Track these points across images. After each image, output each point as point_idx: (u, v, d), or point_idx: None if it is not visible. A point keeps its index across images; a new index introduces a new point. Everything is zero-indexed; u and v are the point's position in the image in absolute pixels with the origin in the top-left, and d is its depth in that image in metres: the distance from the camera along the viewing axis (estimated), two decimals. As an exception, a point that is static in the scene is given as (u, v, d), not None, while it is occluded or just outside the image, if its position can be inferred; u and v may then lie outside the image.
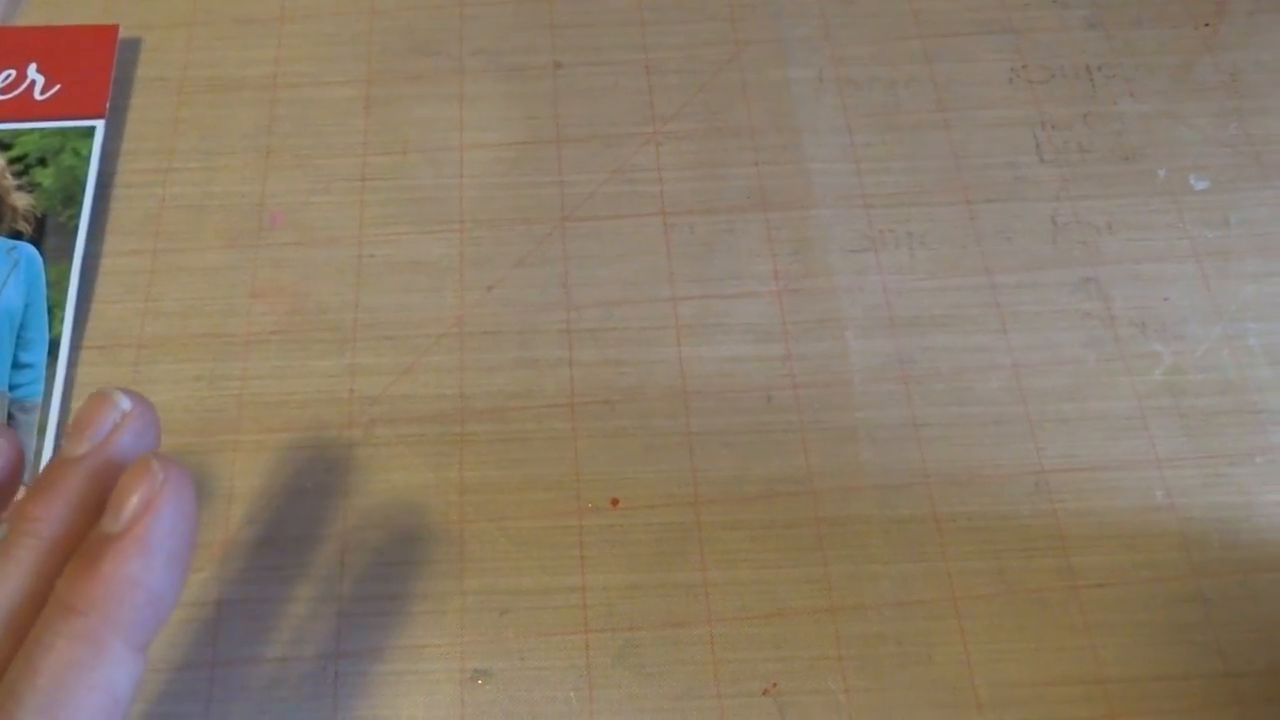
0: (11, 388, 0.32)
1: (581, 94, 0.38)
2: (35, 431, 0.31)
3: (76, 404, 0.32)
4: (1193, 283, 0.34)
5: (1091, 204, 0.36)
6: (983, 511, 0.31)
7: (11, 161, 0.35)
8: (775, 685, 0.29)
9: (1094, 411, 0.32)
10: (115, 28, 0.38)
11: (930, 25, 0.39)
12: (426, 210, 0.36)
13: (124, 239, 0.35)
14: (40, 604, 0.20)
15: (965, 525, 0.31)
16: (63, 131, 0.36)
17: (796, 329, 0.34)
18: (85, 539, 0.20)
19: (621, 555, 0.30)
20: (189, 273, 0.35)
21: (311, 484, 0.31)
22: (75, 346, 0.33)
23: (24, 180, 0.35)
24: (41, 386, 0.32)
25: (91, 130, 0.36)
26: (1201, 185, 0.36)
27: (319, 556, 0.30)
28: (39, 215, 0.35)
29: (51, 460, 0.22)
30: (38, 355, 0.32)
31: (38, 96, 0.37)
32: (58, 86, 0.37)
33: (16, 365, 0.32)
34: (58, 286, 0.34)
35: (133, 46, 0.39)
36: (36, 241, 0.34)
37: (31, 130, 0.36)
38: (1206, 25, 0.39)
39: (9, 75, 0.37)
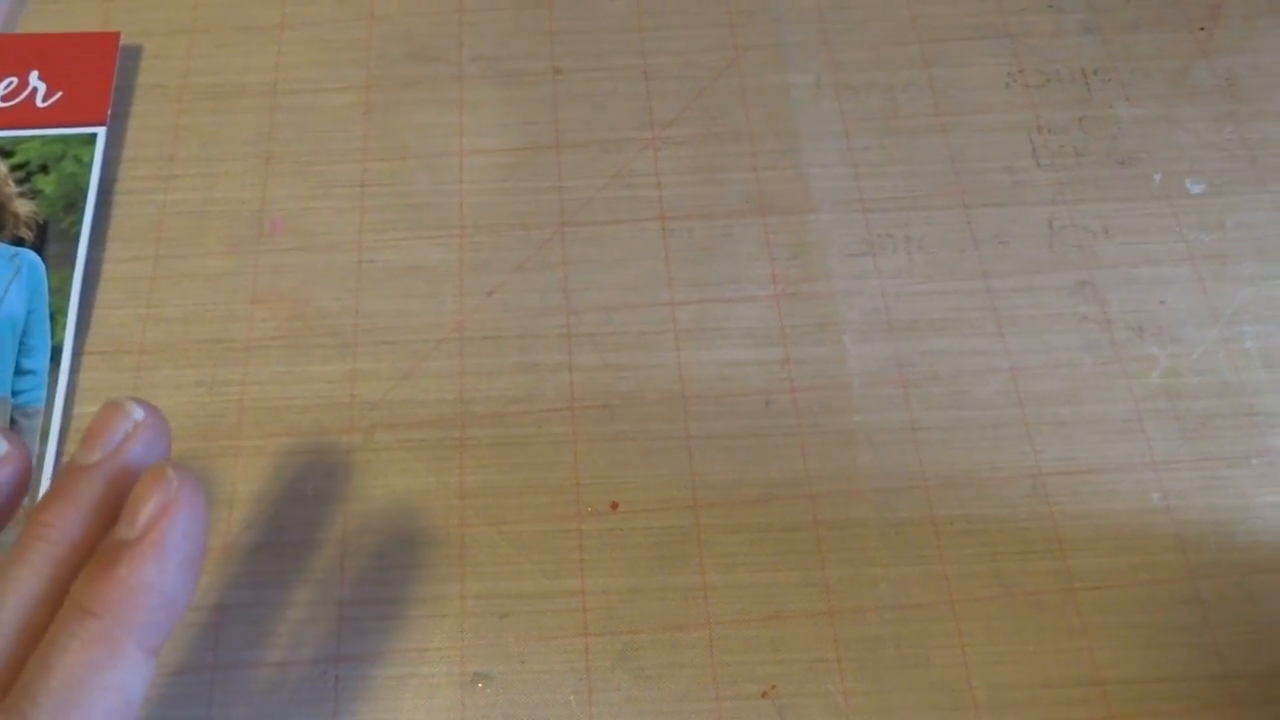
0: (14, 394, 0.32)
1: (580, 99, 0.38)
2: (38, 437, 0.31)
3: (79, 410, 0.32)
4: (1189, 286, 0.34)
5: (1088, 208, 0.36)
6: (980, 514, 0.31)
7: (13, 169, 0.36)
8: (774, 688, 0.29)
9: (1091, 414, 0.32)
10: (116, 35, 0.38)
11: (927, 30, 0.39)
12: (426, 216, 0.36)
13: (125, 245, 0.35)
14: (52, 608, 0.20)
15: (963, 528, 0.31)
16: (64, 139, 0.36)
17: (795, 333, 0.34)
18: (101, 544, 0.21)
19: (621, 559, 0.30)
20: (190, 279, 0.35)
21: (312, 488, 0.31)
22: (77, 352, 0.33)
23: (26, 187, 0.35)
24: (44, 392, 0.32)
25: (93, 137, 0.36)
26: (1197, 189, 0.36)
27: (319, 561, 0.30)
28: (41, 222, 0.35)
29: (64, 467, 0.22)
30: (40, 361, 0.33)
31: (39, 104, 0.37)
32: (59, 94, 0.37)
33: (19, 371, 0.32)
34: (60, 293, 0.34)
35: (134, 54, 0.39)
36: (38, 248, 0.34)
37: (33, 137, 0.36)
38: (1202, 29, 0.39)
39: (11, 83, 0.37)
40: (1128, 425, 0.32)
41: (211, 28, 0.40)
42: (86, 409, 0.32)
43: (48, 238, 0.35)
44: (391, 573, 0.30)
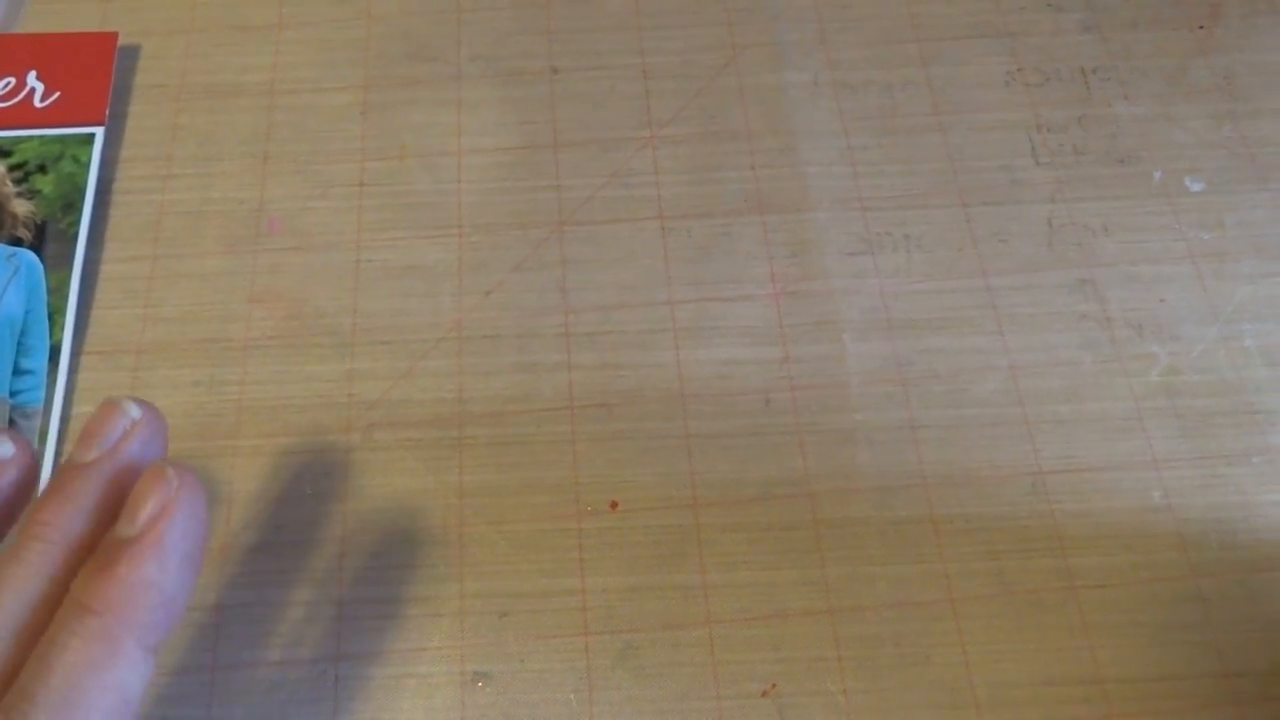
0: (12, 394, 0.32)
1: (578, 99, 0.38)
2: (36, 437, 0.31)
3: (77, 410, 0.32)
4: (1189, 284, 0.34)
5: (1087, 206, 0.36)
6: (980, 513, 0.31)
7: (11, 169, 0.36)
8: (774, 686, 0.29)
9: (1091, 413, 0.32)
10: (114, 35, 0.38)
11: (926, 29, 0.39)
12: (424, 215, 0.36)
13: (123, 245, 0.35)
14: (50, 607, 0.20)
15: (963, 526, 0.31)
16: (62, 138, 0.36)
17: (794, 332, 0.34)
18: (101, 543, 0.21)
19: (620, 558, 0.30)
20: (188, 278, 0.35)
21: (311, 488, 0.31)
22: (76, 352, 0.33)
23: (24, 187, 0.35)
24: (42, 393, 0.32)
25: (91, 137, 0.36)
26: (1197, 187, 0.36)
27: (318, 560, 0.30)
28: (39, 222, 0.35)
29: (61, 466, 0.22)
30: (38, 361, 0.33)
31: (37, 104, 0.37)
32: (57, 94, 0.37)
33: (17, 371, 0.32)
34: (58, 293, 0.34)
35: (131, 54, 0.39)
36: (36, 248, 0.34)
37: (31, 137, 0.36)
38: (1201, 28, 0.39)
39: (9, 83, 0.37)
40: (1128, 423, 0.32)
41: (209, 27, 0.40)
42: (85, 409, 0.32)
43: (46, 238, 0.34)
44: (390, 572, 0.30)
